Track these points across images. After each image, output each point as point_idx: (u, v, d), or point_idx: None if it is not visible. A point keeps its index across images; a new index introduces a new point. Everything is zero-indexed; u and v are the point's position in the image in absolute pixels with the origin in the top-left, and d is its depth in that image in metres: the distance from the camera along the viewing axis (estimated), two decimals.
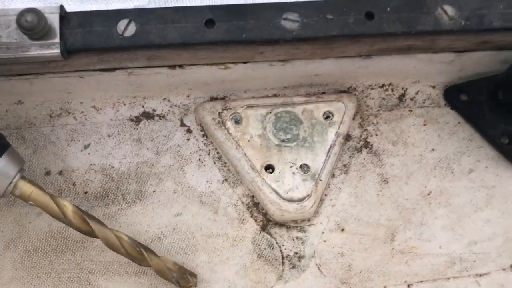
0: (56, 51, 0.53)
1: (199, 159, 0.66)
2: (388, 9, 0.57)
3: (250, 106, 0.66)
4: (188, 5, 0.58)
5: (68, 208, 0.54)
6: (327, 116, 0.66)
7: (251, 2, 0.62)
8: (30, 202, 0.53)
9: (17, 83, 0.60)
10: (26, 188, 0.52)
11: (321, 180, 0.64)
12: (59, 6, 0.54)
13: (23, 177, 0.53)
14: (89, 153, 0.65)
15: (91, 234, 0.55)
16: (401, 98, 0.70)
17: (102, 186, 0.64)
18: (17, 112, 0.65)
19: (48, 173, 0.64)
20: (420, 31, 0.57)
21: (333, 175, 0.67)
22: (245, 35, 0.55)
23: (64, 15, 0.54)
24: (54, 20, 0.53)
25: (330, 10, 0.56)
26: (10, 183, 0.52)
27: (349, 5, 0.57)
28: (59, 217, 0.54)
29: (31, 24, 0.51)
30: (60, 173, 0.64)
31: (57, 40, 0.53)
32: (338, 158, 0.67)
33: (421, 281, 0.64)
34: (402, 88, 0.71)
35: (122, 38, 0.54)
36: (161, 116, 0.67)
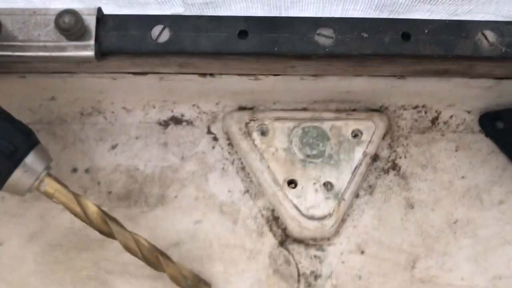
0: (90, 53, 0.53)
1: (223, 168, 0.66)
2: (426, 31, 0.55)
3: (278, 119, 0.65)
4: (224, 15, 0.58)
5: (90, 208, 0.54)
6: (356, 134, 0.65)
7: (286, 15, 0.62)
8: (54, 199, 0.54)
9: (51, 80, 0.62)
10: (51, 185, 0.53)
11: (344, 199, 0.63)
12: (97, 9, 0.54)
13: (49, 174, 0.54)
14: (115, 154, 0.66)
15: (111, 235, 0.55)
16: (434, 121, 0.69)
17: (126, 187, 0.64)
18: (50, 108, 0.67)
19: (75, 170, 0.65)
20: (458, 55, 0.55)
21: (357, 195, 0.65)
22: (277, 49, 0.55)
23: (101, 18, 0.55)
24: (91, 21, 0.54)
25: (366, 28, 0.55)
26: (36, 179, 0.52)
27: (385, 24, 0.56)
28: (80, 216, 0.54)
29: (68, 26, 0.52)
30: (87, 171, 0.65)
31: (92, 42, 0.53)
32: (364, 178, 0.65)
33: None
34: (436, 111, 0.69)
35: (155, 44, 0.54)
36: (189, 122, 0.67)
